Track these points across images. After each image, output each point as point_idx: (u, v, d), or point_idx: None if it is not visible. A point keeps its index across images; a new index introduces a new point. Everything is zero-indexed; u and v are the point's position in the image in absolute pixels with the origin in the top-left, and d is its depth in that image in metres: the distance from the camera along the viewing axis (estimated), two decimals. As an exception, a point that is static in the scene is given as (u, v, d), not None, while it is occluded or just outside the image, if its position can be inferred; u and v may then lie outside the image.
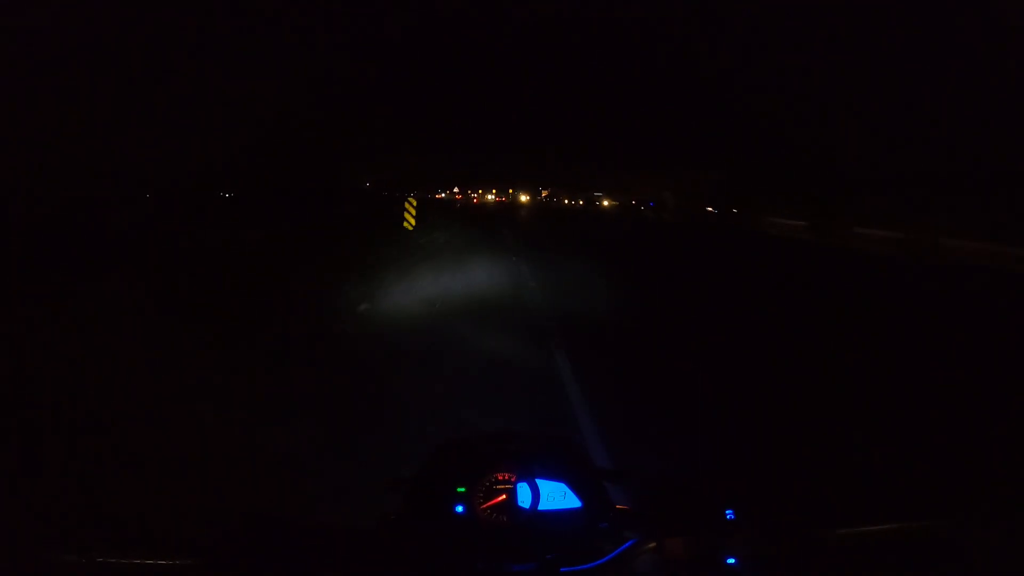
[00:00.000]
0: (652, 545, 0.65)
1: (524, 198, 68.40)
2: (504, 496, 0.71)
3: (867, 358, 4.99)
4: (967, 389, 4.06)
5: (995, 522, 0.67)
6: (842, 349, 5.27)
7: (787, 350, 5.20)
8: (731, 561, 0.63)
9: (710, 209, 28.11)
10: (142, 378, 3.48)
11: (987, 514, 0.69)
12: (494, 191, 79.82)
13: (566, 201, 64.33)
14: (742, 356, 4.91)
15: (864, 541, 0.64)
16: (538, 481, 0.72)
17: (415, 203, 14.56)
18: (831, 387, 4.08)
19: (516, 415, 3.17)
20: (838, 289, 10.01)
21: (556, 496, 0.73)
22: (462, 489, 0.72)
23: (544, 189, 68.03)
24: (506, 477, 0.73)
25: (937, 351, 5.34)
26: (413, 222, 14.13)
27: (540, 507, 0.71)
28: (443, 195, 64.28)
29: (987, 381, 4.27)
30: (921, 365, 4.88)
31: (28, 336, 4.47)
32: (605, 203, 47.85)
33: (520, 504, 0.70)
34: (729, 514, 0.64)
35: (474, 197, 64.91)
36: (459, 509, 0.71)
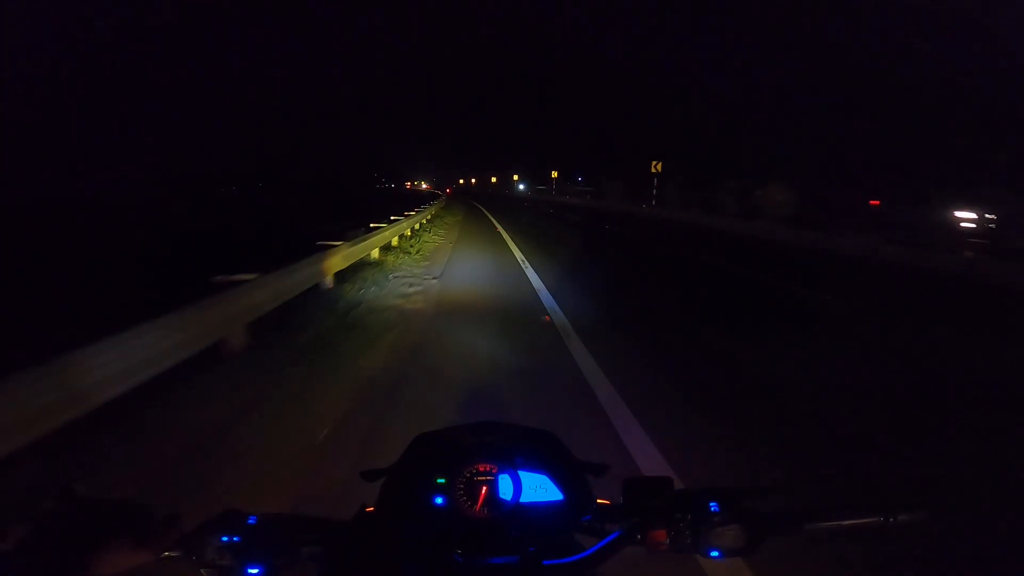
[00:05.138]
0: (635, 538, 0.63)
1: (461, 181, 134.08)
2: (485, 488, 0.69)
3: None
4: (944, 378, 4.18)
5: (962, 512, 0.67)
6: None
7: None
8: (715, 554, 0.62)
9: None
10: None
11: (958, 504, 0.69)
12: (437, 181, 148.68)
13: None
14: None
15: (850, 534, 0.63)
16: (520, 473, 0.70)
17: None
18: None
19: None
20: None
21: (538, 488, 0.71)
22: (442, 480, 0.69)
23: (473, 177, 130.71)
24: (487, 468, 0.70)
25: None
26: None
27: (522, 499, 0.69)
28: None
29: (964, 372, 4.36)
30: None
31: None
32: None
33: (501, 496, 0.69)
34: (713, 506, 0.63)
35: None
36: (438, 501, 0.68)
